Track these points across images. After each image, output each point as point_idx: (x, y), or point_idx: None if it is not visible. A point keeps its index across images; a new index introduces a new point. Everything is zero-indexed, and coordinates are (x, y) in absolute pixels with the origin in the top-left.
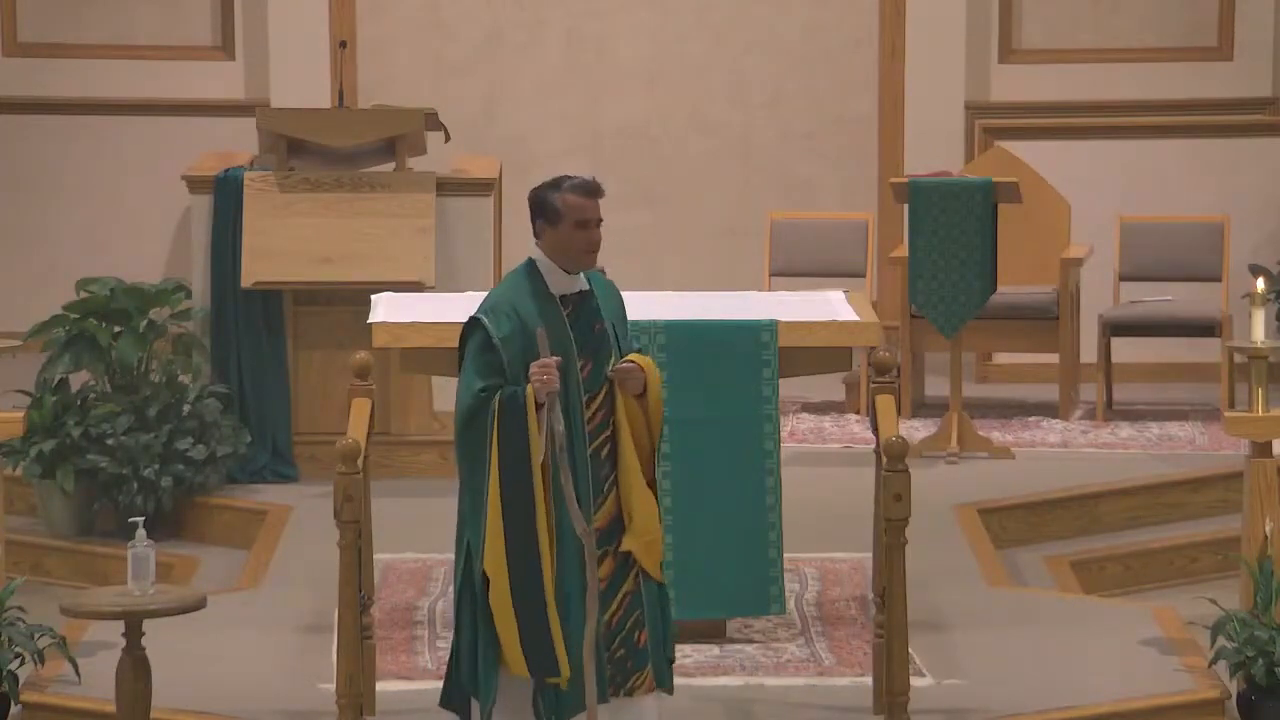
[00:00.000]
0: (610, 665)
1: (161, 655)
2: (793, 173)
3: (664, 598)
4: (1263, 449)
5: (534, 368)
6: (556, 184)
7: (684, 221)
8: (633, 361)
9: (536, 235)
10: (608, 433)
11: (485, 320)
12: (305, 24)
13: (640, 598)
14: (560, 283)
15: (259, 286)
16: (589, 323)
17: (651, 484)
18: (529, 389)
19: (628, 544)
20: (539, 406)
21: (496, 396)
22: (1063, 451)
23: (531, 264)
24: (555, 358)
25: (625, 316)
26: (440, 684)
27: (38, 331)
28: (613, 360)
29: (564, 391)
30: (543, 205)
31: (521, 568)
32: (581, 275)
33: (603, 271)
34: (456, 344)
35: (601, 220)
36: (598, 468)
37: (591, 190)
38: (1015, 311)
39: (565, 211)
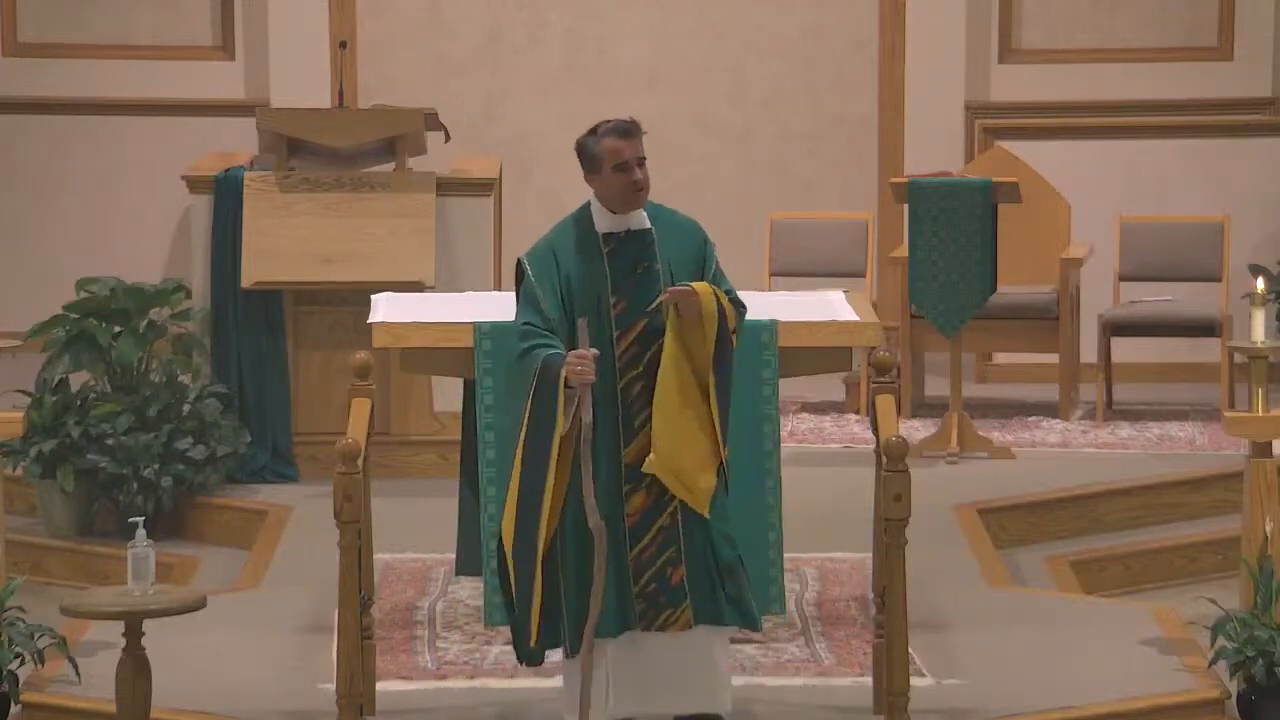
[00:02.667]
0: (642, 600)
1: (161, 655)
2: (793, 173)
3: (715, 536)
4: (1263, 449)
5: (571, 357)
6: (594, 130)
7: None
8: (688, 285)
9: (587, 181)
10: (638, 370)
11: (524, 261)
12: (305, 24)
13: (677, 533)
14: (607, 222)
15: (259, 286)
16: (632, 262)
17: (717, 423)
18: (565, 366)
19: (648, 466)
20: (569, 386)
21: (540, 358)
22: (1063, 451)
23: (585, 206)
24: (593, 350)
25: (704, 260)
26: (439, 684)
27: (38, 331)
28: (662, 303)
29: (595, 326)
30: (583, 153)
31: (524, 530)
32: (638, 215)
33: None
34: (457, 344)
35: (644, 159)
36: (628, 404)
37: (627, 131)
38: (1015, 311)
39: (604, 156)
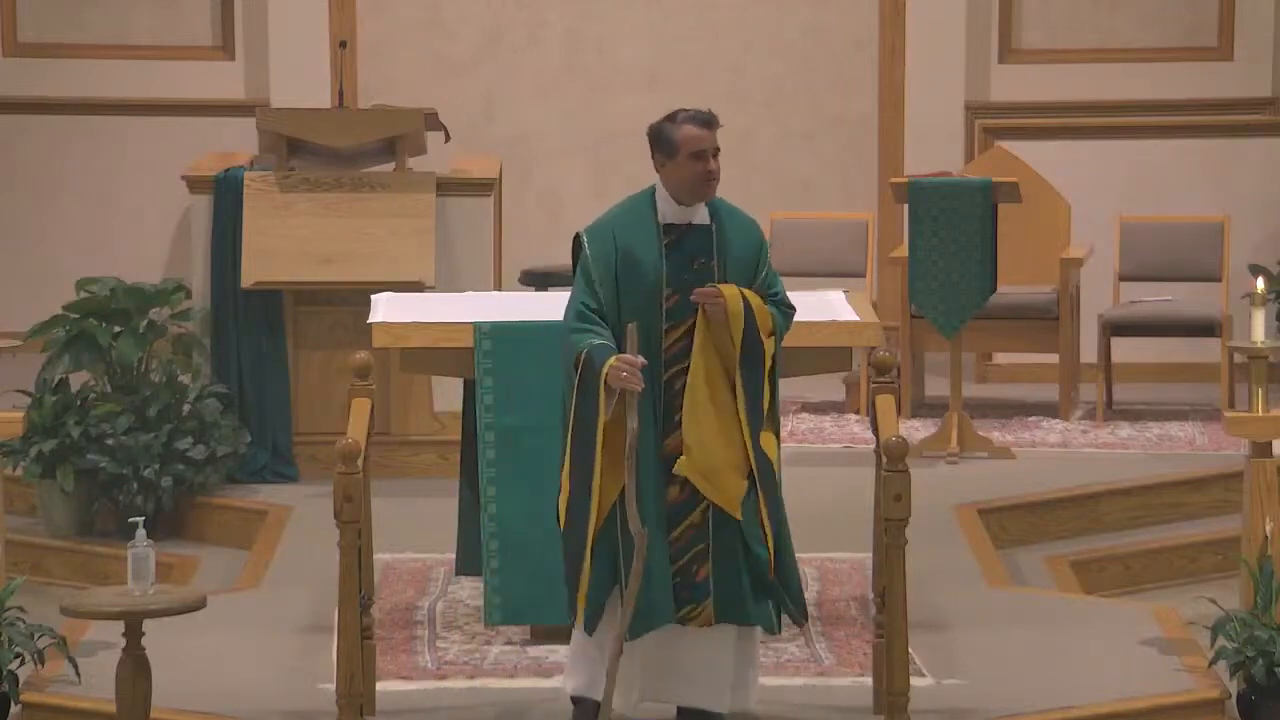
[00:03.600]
0: (673, 590)
1: (161, 655)
2: (793, 173)
3: (748, 537)
4: (1263, 449)
5: (619, 362)
6: (672, 117)
7: None
8: (716, 287)
9: (656, 168)
10: (683, 365)
11: (585, 238)
12: (305, 24)
13: (706, 532)
14: (671, 212)
15: (259, 286)
16: (689, 256)
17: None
18: (608, 368)
19: (679, 468)
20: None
21: (586, 347)
22: (1063, 451)
23: (651, 191)
24: (639, 358)
25: (760, 259)
26: (439, 684)
27: (38, 331)
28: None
29: (646, 317)
30: (659, 138)
31: (575, 512)
32: (700, 209)
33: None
34: (457, 344)
35: (719, 150)
36: (671, 397)
37: (707, 121)
38: (1015, 311)
39: (681, 143)
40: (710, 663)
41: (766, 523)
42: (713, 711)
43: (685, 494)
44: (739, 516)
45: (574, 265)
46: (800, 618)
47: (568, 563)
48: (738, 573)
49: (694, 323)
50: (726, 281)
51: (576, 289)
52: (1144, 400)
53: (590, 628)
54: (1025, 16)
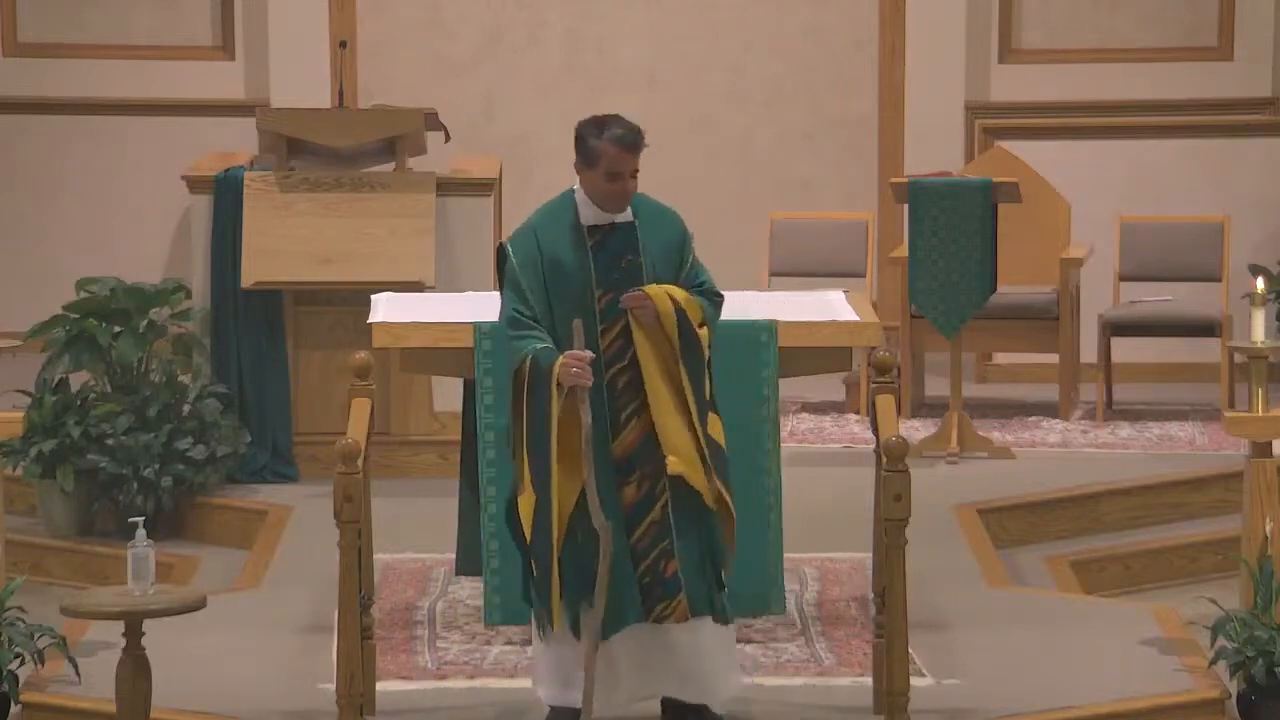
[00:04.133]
0: (640, 591)
1: (161, 655)
2: (793, 173)
3: (707, 525)
4: (1263, 449)
5: (568, 358)
6: (601, 126)
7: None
8: (642, 291)
9: (576, 169)
10: (623, 363)
11: (509, 247)
12: (305, 24)
13: (668, 528)
14: (592, 214)
15: (259, 286)
16: (616, 255)
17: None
18: (557, 367)
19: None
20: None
21: (530, 352)
22: (1063, 451)
23: (571, 193)
24: (588, 353)
25: (684, 252)
26: (439, 684)
27: (38, 331)
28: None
29: (580, 318)
30: (581, 145)
31: (541, 521)
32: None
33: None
34: (457, 344)
35: (636, 170)
36: (614, 397)
37: (632, 145)
38: (1015, 311)
39: (600, 158)
40: (690, 657)
41: (731, 506)
42: (695, 704)
43: (642, 492)
44: (713, 506)
45: (500, 276)
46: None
47: (538, 571)
48: (703, 565)
49: (629, 321)
50: (655, 276)
51: (506, 298)
52: (1144, 400)
53: (577, 632)
54: (1025, 16)
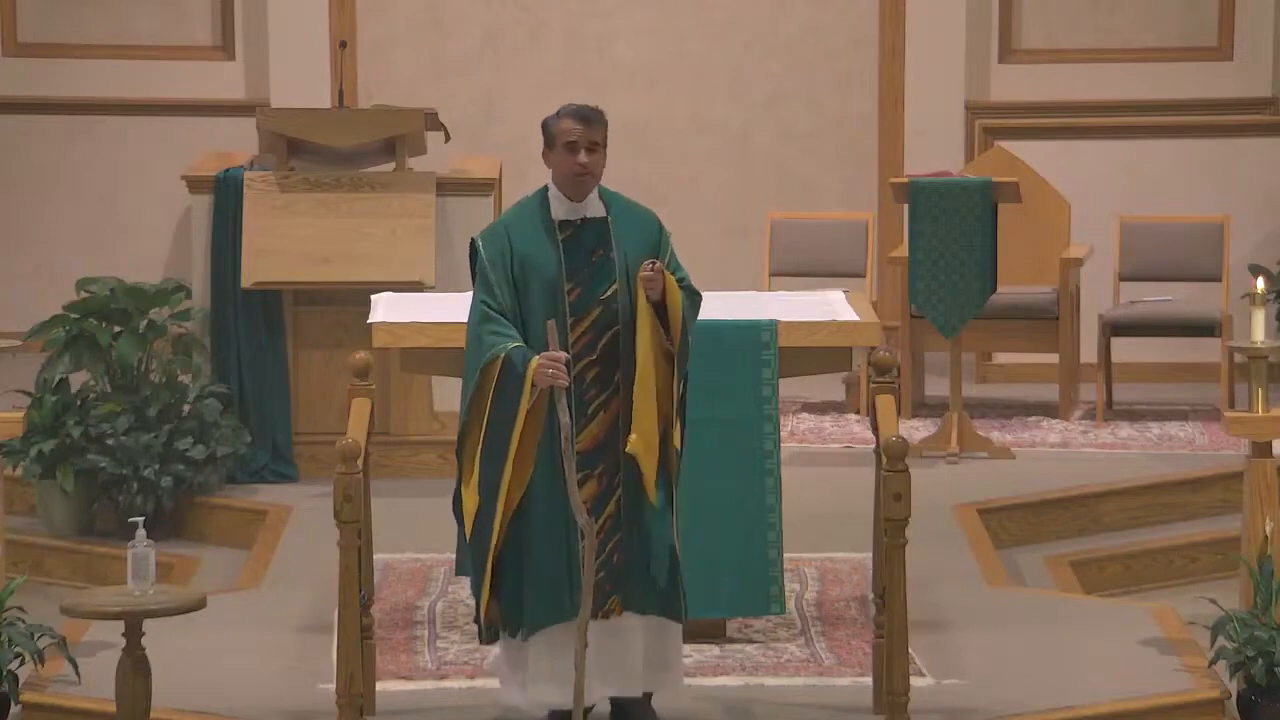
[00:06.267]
0: (595, 588)
1: (161, 655)
2: (793, 173)
3: (658, 522)
4: (1263, 449)
5: (544, 359)
6: (558, 110)
7: (684, 221)
8: (663, 265)
9: (544, 160)
10: (592, 357)
11: (479, 242)
12: (305, 24)
13: (620, 521)
14: (563, 209)
15: (259, 286)
16: (588, 249)
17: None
18: (532, 368)
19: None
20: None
21: (502, 351)
22: (1063, 451)
23: (544, 190)
24: (563, 353)
25: (659, 248)
26: (439, 684)
27: (38, 331)
28: (617, 290)
29: (550, 313)
30: (544, 130)
31: (481, 519)
32: (594, 202)
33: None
34: (457, 344)
35: (596, 145)
36: (582, 391)
37: (584, 116)
38: (1015, 311)
39: (557, 135)
40: (621, 652)
41: (676, 514)
42: (630, 699)
43: (601, 487)
44: (655, 502)
45: (472, 272)
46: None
47: (474, 571)
48: (646, 562)
49: (598, 315)
50: (628, 271)
51: (476, 292)
52: (1144, 400)
53: (510, 629)
54: (1025, 16)
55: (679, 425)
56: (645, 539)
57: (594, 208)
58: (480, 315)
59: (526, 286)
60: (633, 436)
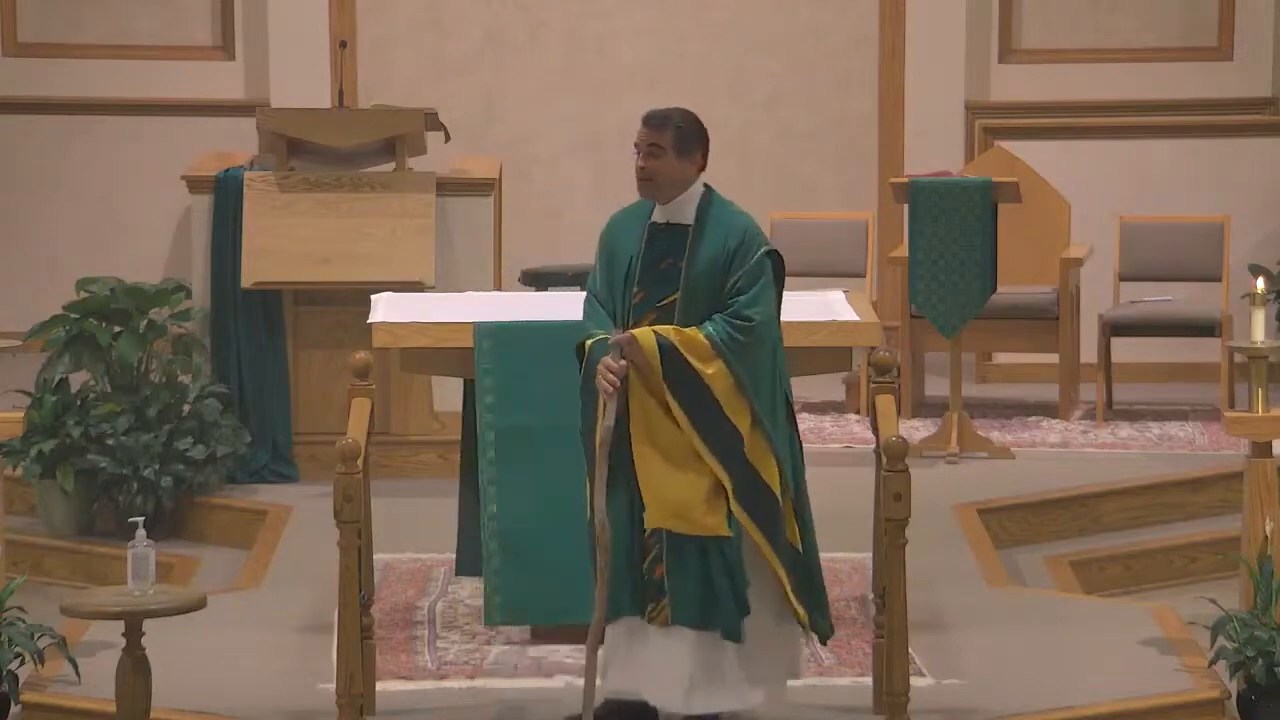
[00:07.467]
0: (641, 586)
1: (161, 655)
2: (793, 173)
3: (705, 542)
4: (1263, 449)
5: (603, 366)
6: None
7: None
8: (629, 334)
9: None
10: None
11: (604, 233)
12: (305, 24)
13: (660, 534)
14: (660, 212)
15: (259, 286)
16: (660, 255)
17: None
18: (599, 367)
19: (649, 521)
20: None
21: (591, 342)
22: (1063, 451)
23: None
24: (623, 362)
25: (735, 260)
26: (439, 684)
27: (38, 331)
28: (676, 300)
29: (613, 309)
30: None
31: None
32: (686, 208)
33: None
34: (457, 344)
35: (657, 146)
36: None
37: (647, 118)
38: (1015, 311)
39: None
40: (667, 662)
41: (782, 546)
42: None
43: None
44: (729, 534)
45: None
46: (826, 632)
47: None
48: (691, 577)
49: (654, 321)
50: (691, 285)
51: (592, 271)
52: (1144, 400)
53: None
54: (1025, 16)
55: (770, 456)
56: (689, 555)
57: (683, 214)
58: (588, 295)
59: (607, 281)
60: (648, 513)
